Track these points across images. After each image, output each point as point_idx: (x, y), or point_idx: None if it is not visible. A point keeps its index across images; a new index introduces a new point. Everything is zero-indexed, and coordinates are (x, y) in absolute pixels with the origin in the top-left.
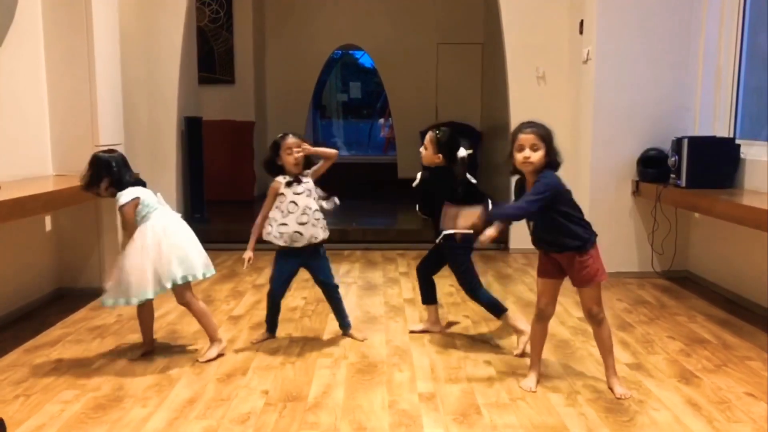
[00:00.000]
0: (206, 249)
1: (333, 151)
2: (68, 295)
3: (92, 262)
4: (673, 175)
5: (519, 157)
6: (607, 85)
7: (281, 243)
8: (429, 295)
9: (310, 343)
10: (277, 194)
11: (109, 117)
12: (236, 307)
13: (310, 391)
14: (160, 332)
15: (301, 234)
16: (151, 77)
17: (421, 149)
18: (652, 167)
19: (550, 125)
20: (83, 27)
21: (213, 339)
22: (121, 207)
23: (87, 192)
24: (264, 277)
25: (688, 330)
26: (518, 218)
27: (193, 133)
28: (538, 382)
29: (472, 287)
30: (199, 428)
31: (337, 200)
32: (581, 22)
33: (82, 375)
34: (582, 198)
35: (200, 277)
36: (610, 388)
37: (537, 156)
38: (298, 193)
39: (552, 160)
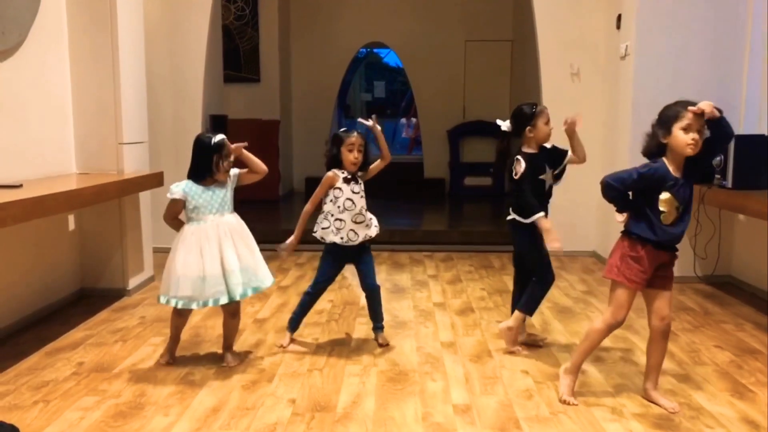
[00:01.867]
0: None
1: (388, 153)
2: (91, 296)
3: (115, 262)
4: (718, 176)
5: (686, 138)
6: (646, 82)
7: (337, 240)
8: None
9: (337, 349)
10: (333, 187)
11: (134, 115)
12: (261, 309)
13: (339, 400)
14: (183, 336)
15: (356, 233)
16: (176, 75)
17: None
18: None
19: None
20: (108, 24)
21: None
22: None
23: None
24: (290, 278)
25: (737, 339)
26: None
27: (218, 131)
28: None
29: None
30: None
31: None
32: (618, 17)
33: (103, 380)
34: None
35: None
36: (654, 400)
37: (700, 141)
38: (356, 192)
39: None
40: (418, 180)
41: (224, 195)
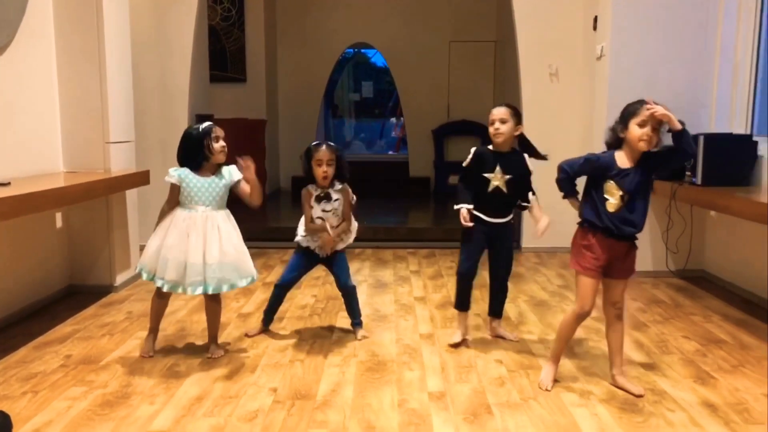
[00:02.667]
0: None
1: (352, 224)
2: (79, 292)
3: (102, 259)
4: (688, 173)
5: (639, 132)
6: (621, 82)
7: (311, 245)
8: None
9: (319, 341)
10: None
11: (120, 114)
12: (246, 304)
13: (319, 389)
14: (168, 329)
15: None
16: (162, 75)
17: (497, 126)
18: None
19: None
20: (94, 24)
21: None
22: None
23: None
24: (274, 275)
25: (704, 330)
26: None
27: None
28: (554, 380)
29: None
30: (206, 426)
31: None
32: (595, 18)
33: (90, 372)
34: None
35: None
36: (620, 386)
37: (656, 137)
38: (326, 211)
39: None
40: (403, 179)
41: (218, 189)
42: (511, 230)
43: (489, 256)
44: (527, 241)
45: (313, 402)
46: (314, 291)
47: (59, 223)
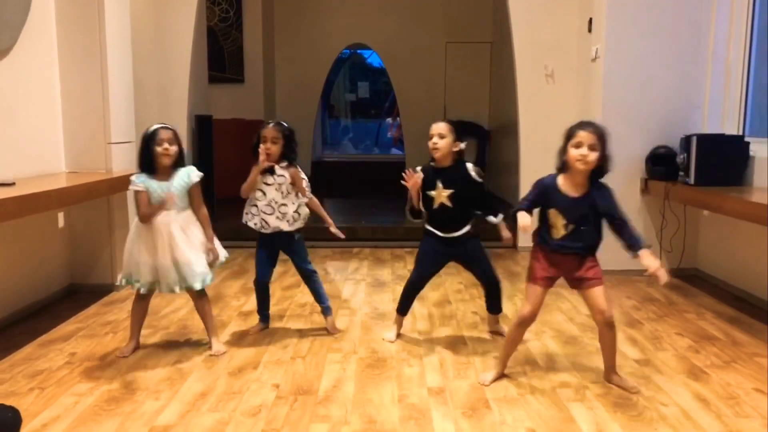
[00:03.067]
0: None
1: (312, 200)
2: (80, 291)
3: (104, 259)
4: (681, 173)
5: (575, 153)
6: (615, 83)
7: (251, 225)
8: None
9: (319, 339)
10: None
11: (121, 115)
12: (246, 303)
13: (321, 385)
14: (171, 327)
15: (266, 223)
16: (162, 76)
17: (435, 141)
18: (661, 165)
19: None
20: (96, 26)
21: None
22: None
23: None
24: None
25: (697, 327)
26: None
27: (204, 131)
28: (496, 379)
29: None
30: (211, 420)
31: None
32: (590, 20)
33: (95, 369)
34: None
35: None
36: (616, 384)
37: (593, 156)
38: (268, 183)
39: (603, 166)
40: (400, 178)
41: (176, 192)
42: (474, 241)
43: (466, 268)
44: (524, 240)
45: (315, 397)
46: None
47: (61, 223)
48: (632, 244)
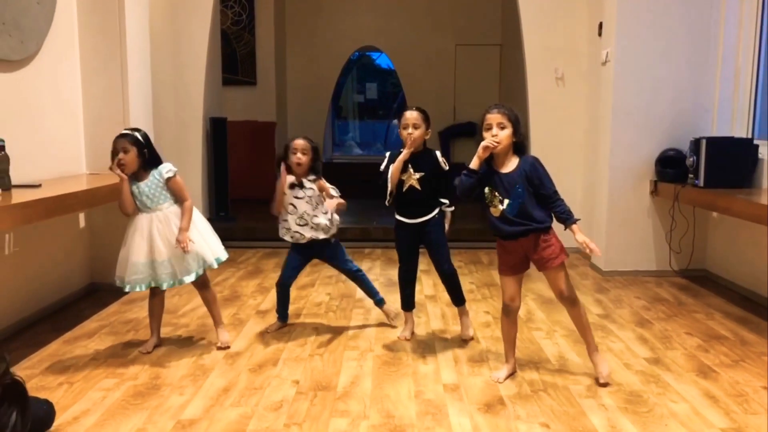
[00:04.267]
0: (230, 246)
1: (340, 200)
2: (100, 290)
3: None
4: (691, 175)
5: (487, 136)
6: (625, 87)
7: (287, 239)
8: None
9: (336, 337)
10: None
11: (140, 118)
12: (263, 302)
13: (339, 381)
14: (191, 324)
15: (301, 234)
16: (178, 79)
17: (410, 131)
18: (671, 167)
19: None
20: (117, 32)
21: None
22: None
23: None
24: None
25: (706, 327)
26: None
27: (218, 133)
28: (510, 375)
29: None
30: (235, 414)
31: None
32: (600, 24)
33: (120, 365)
34: (600, 197)
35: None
36: (594, 364)
37: (503, 134)
38: (299, 197)
39: (520, 142)
40: None
41: (153, 189)
42: (438, 224)
43: (429, 255)
44: None
45: (334, 393)
46: (328, 289)
47: (82, 224)
48: (566, 218)
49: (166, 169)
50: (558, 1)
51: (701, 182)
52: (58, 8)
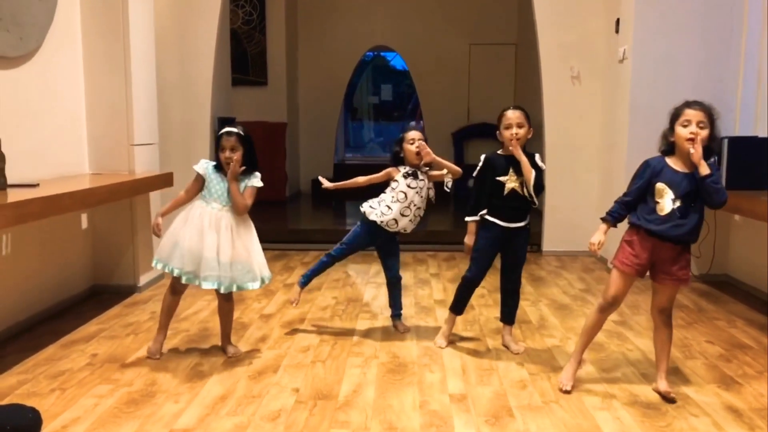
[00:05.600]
0: None
1: (457, 168)
2: (103, 292)
3: (126, 260)
4: None
5: (684, 132)
6: (643, 85)
7: (377, 220)
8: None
9: (340, 343)
10: (391, 179)
11: (144, 117)
12: (267, 305)
13: (341, 389)
14: (191, 329)
15: (396, 222)
16: (185, 79)
17: (515, 131)
18: None
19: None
20: (120, 29)
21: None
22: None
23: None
24: (294, 277)
25: (728, 335)
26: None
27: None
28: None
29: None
30: (230, 424)
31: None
32: (617, 21)
33: (116, 370)
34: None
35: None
36: (657, 390)
37: (704, 133)
38: (412, 187)
39: (710, 146)
40: None
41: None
42: (527, 235)
43: (501, 261)
44: (548, 244)
45: (335, 402)
46: (335, 293)
47: (84, 224)
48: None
49: (257, 178)
50: None
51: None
52: (59, 4)
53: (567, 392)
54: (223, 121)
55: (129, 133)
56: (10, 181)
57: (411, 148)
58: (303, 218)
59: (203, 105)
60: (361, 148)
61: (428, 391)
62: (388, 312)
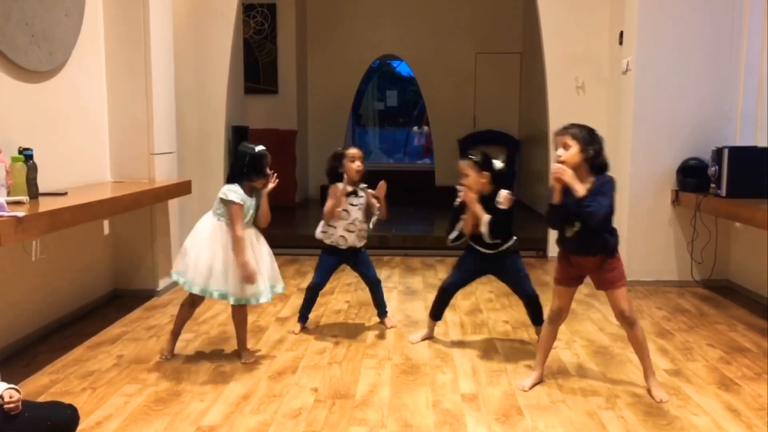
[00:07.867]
0: None
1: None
2: (124, 296)
3: (146, 265)
4: (713, 185)
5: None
6: (646, 95)
7: (327, 242)
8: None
9: (354, 345)
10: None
11: (164, 127)
12: (283, 309)
13: (357, 389)
14: (212, 332)
15: (345, 239)
16: (200, 88)
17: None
18: (692, 177)
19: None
20: (141, 43)
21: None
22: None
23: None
24: (308, 280)
25: (728, 338)
26: (600, 217)
27: (240, 141)
28: (536, 384)
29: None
30: (254, 422)
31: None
32: (621, 33)
33: (142, 371)
34: (621, 207)
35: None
36: (649, 391)
37: (566, 155)
38: (354, 205)
39: (593, 159)
40: (429, 188)
41: (252, 208)
42: (514, 257)
43: (506, 283)
44: (553, 250)
45: (353, 401)
46: (347, 297)
47: (106, 231)
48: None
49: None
50: (578, 9)
51: (723, 192)
52: (85, 20)
53: (525, 390)
54: (237, 130)
55: (149, 142)
56: (40, 190)
57: (353, 167)
58: (313, 224)
59: (218, 114)
60: (367, 154)
61: (441, 391)
62: (399, 316)
